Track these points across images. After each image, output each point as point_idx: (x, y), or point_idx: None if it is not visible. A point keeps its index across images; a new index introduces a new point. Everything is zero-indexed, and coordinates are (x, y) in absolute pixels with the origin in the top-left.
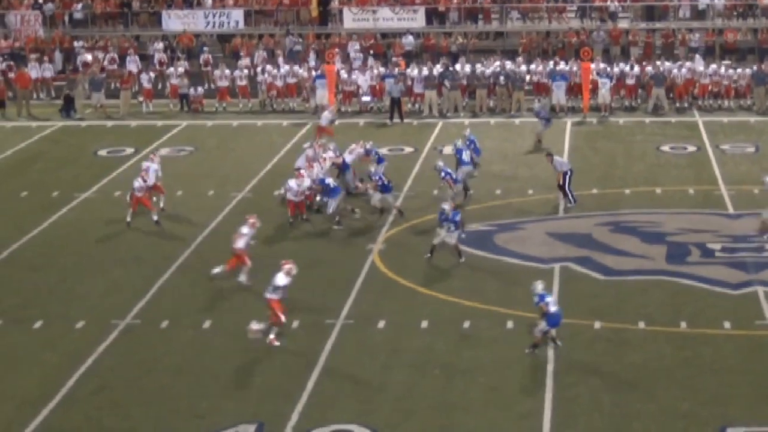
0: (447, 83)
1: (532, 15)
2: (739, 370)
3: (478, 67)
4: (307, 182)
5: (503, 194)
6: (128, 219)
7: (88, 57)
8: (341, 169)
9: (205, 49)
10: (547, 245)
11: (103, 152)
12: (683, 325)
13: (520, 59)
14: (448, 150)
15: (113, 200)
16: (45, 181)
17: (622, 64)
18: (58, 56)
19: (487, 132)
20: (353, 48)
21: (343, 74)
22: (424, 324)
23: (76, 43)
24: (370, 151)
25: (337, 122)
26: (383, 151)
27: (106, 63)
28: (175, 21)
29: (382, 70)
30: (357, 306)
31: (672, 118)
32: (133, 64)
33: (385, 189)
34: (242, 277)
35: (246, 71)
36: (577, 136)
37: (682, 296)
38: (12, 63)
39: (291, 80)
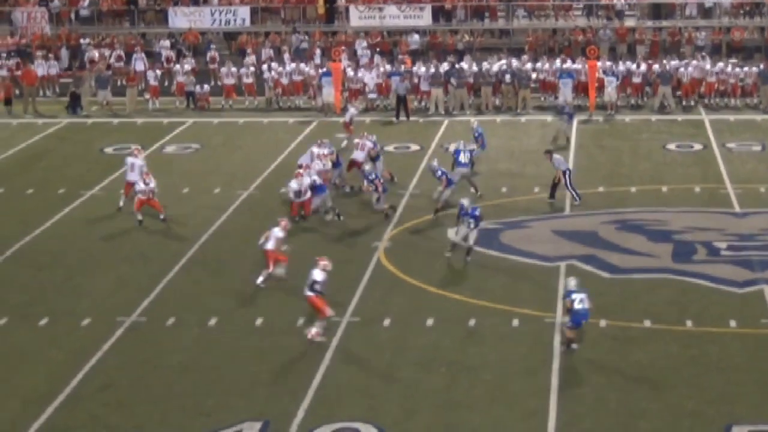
0: (453, 81)
1: (538, 13)
2: (745, 369)
3: (484, 65)
4: (307, 181)
5: (509, 192)
6: (139, 218)
7: (95, 54)
8: (334, 165)
9: (213, 46)
10: (553, 243)
11: (109, 149)
12: (689, 323)
13: (525, 57)
14: (453, 148)
15: (119, 197)
16: (51, 179)
17: (628, 63)
18: (64, 53)
19: (494, 130)
20: (360, 46)
21: (350, 72)
22: (430, 322)
23: (82, 41)
24: (375, 144)
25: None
26: (389, 148)
27: (112, 60)
28: (181, 18)
29: (388, 67)
30: (363, 304)
31: (678, 117)
32: (140, 62)
33: (383, 190)
34: (279, 271)
35: (252, 69)
36: (584, 134)
37: (688, 294)
38: (19, 60)
39: (297, 78)
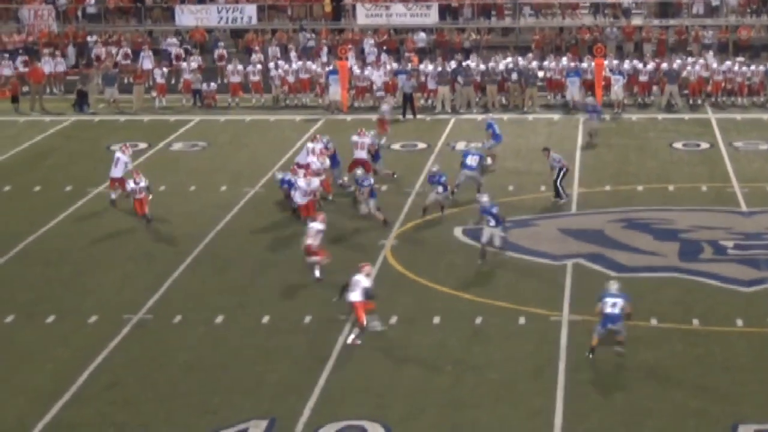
0: (460, 79)
1: (545, 11)
2: (751, 368)
3: (490, 63)
4: (316, 183)
5: (516, 191)
6: (149, 217)
7: (102, 52)
8: (332, 162)
9: (220, 44)
10: (560, 242)
11: (116, 147)
12: (695, 322)
13: (530, 55)
14: (460, 146)
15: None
16: (58, 176)
17: (635, 61)
18: (71, 51)
19: (500, 128)
20: (368, 44)
21: (356, 70)
22: (436, 320)
23: (89, 38)
24: (373, 141)
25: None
26: (396, 146)
27: (119, 58)
28: (188, 16)
29: (395, 66)
30: None
31: (685, 115)
32: (147, 60)
33: (371, 195)
34: (316, 273)
35: (259, 67)
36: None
37: (694, 293)
38: (26, 58)
39: (304, 76)
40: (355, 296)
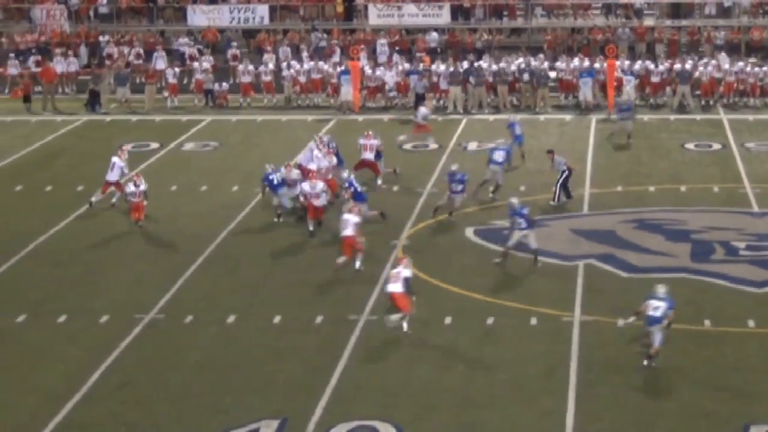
0: (472, 80)
1: (557, 12)
2: (762, 369)
3: (501, 64)
4: (321, 185)
5: (528, 191)
6: (140, 223)
7: (114, 51)
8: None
9: (233, 44)
10: (571, 242)
11: (128, 147)
12: (707, 323)
13: (541, 56)
14: (472, 146)
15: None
16: (70, 176)
17: (647, 62)
18: (83, 51)
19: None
20: (380, 44)
21: (368, 70)
22: (448, 320)
23: (101, 38)
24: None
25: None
26: (407, 147)
27: (131, 58)
28: (200, 16)
29: (407, 66)
30: (381, 302)
31: (697, 116)
32: (160, 61)
33: (358, 198)
34: (357, 264)
35: (271, 67)
36: (602, 134)
37: (705, 294)
38: (39, 57)
39: (315, 76)
40: (396, 287)
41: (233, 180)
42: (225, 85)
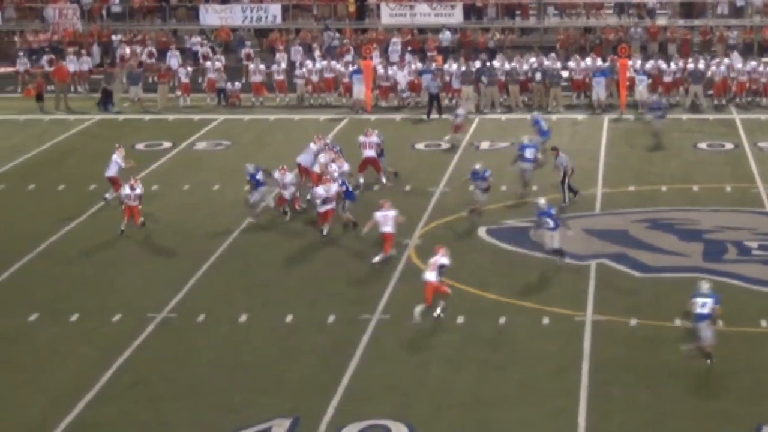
0: (484, 79)
1: (569, 11)
2: None
3: (513, 63)
4: (334, 187)
5: (540, 190)
6: (122, 227)
7: (126, 51)
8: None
9: (247, 43)
10: (584, 242)
11: (140, 146)
12: (720, 323)
13: (554, 55)
14: (484, 146)
15: (150, 194)
16: (82, 175)
17: (659, 61)
18: (96, 50)
19: (524, 128)
20: (393, 43)
21: (380, 70)
22: (460, 319)
23: (113, 37)
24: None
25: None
26: (419, 146)
27: (144, 57)
28: (212, 15)
29: (419, 65)
30: (393, 301)
31: (709, 116)
32: (174, 60)
33: (349, 196)
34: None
35: (283, 66)
36: (615, 133)
37: (718, 294)
38: (51, 56)
39: (328, 75)
40: (431, 276)
41: (245, 179)
42: (237, 84)
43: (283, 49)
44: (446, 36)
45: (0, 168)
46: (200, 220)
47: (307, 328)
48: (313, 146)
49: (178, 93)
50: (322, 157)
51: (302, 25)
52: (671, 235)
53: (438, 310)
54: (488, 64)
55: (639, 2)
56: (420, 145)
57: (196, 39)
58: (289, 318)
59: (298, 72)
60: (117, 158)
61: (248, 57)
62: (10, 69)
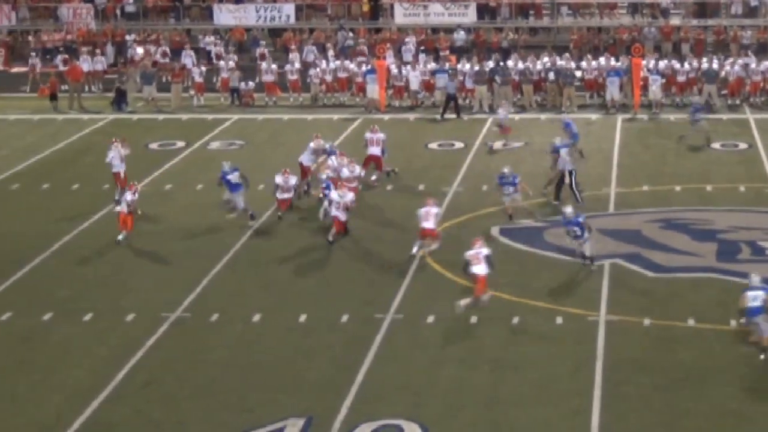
0: (498, 79)
1: (583, 11)
2: None
3: (527, 63)
4: (350, 196)
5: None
6: (120, 237)
7: (140, 50)
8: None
9: (262, 43)
10: (597, 241)
11: (154, 145)
12: (733, 323)
13: (567, 55)
14: (497, 145)
15: (164, 193)
16: (96, 174)
17: (673, 61)
18: (109, 49)
19: (537, 128)
20: (407, 43)
21: (394, 69)
22: (473, 319)
23: (127, 37)
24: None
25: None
26: (433, 145)
27: (157, 56)
28: (226, 15)
29: (433, 65)
30: (406, 301)
31: (723, 116)
32: (188, 59)
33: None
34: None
35: (297, 65)
36: (628, 133)
37: (732, 294)
38: (65, 56)
39: (342, 75)
40: (481, 269)
41: (259, 179)
42: (251, 83)
43: (297, 49)
44: (460, 36)
45: (14, 167)
46: (214, 220)
47: (321, 327)
48: (312, 145)
49: (192, 92)
50: (330, 161)
51: (316, 25)
52: (685, 235)
53: (485, 298)
54: (501, 63)
55: (652, 2)
56: (433, 145)
57: (210, 38)
58: (302, 318)
59: (312, 72)
60: (113, 152)
61: (263, 57)
62: (24, 69)
